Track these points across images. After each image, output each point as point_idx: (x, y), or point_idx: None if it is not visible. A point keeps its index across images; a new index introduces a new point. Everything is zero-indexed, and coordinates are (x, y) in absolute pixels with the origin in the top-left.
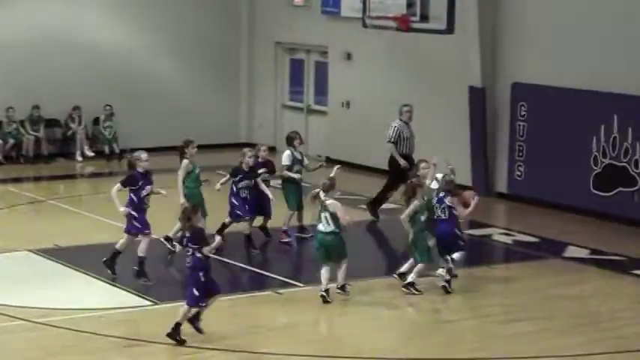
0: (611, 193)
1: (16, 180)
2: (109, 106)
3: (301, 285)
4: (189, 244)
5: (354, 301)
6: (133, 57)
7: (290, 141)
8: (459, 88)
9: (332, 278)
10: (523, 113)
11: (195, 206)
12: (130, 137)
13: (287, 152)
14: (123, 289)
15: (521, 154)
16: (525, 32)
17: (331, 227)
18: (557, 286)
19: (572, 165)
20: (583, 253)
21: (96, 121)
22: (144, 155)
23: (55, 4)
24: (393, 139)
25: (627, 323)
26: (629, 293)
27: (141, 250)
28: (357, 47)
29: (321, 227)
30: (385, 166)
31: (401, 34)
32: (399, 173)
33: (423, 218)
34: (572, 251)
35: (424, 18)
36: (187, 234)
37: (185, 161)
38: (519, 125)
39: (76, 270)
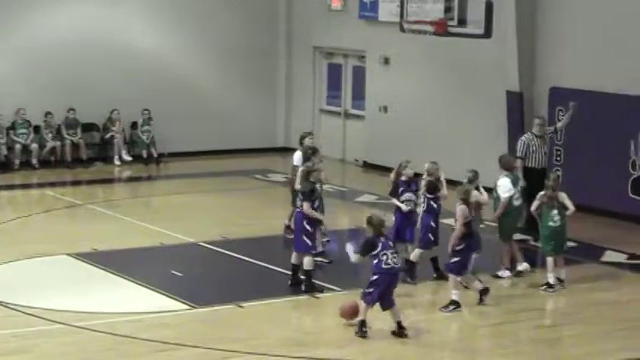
0: None
1: (54, 184)
2: (147, 110)
3: (339, 289)
4: None
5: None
6: (170, 61)
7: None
8: (497, 92)
9: None
10: (561, 118)
11: None
12: (167, 141)
13: None
14: (160, 293)
15: (558, 158)
16: (563, 36)
17: None
18: (595, 290)
19: (610, 169)
20: (621, 258)
21: (134, 125)
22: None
23: (92, 8)
24: (521, 154)
25: None
26: None
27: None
28: (395, 52)
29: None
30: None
31: (438, 38)
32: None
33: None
34: (609, 256)
35: (462, 22)
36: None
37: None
38: None
39: (114, 274)
